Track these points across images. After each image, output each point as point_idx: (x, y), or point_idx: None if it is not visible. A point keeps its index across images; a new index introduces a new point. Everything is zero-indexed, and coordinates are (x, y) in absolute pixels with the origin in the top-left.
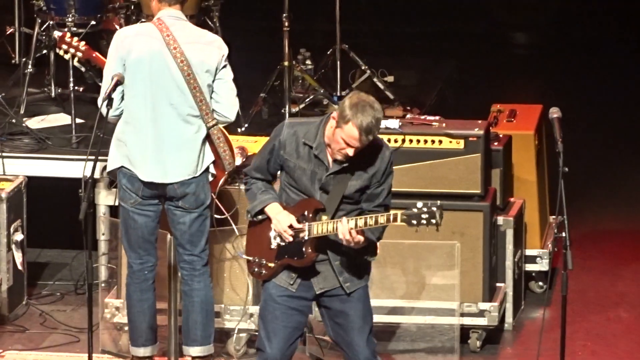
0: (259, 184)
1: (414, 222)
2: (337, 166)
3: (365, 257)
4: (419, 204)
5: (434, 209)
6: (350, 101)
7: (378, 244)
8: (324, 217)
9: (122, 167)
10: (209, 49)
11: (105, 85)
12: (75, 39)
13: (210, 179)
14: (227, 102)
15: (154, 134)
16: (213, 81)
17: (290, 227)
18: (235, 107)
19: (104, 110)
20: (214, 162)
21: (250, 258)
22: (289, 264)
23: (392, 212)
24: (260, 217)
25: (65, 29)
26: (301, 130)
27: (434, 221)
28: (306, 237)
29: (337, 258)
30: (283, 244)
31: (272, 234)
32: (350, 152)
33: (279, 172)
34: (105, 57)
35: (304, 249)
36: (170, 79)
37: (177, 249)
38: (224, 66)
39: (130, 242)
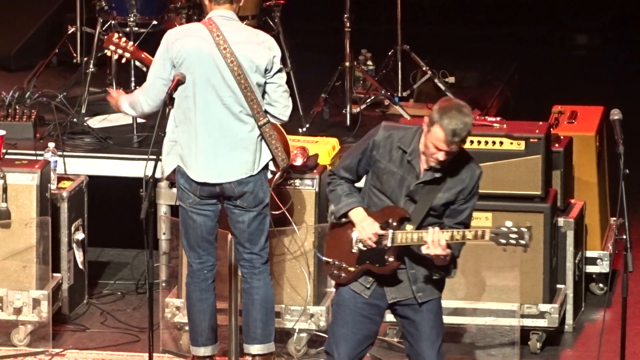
0: (344, 185)
1: (502, 240)
2: (429, 176)
3: (442, 273)
4: (509, 223)
5: (524, 229)
6: (439, 105)
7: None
8: (409, 227)
9: (178, 167)
10: (259, 49)
11: (149, 85)
12: (124, 39)
13: (270, 175)
14: (280, 105)
15: (207, 134)
16: (265, 82)
17: (374, 234)
18: (289, 108)
19: (161, 109)
20: (272, 160)
21: (330, 260)
22: (369, 269)
23: (479, 229)
24: (343, 219)
25: (127, 29)
26: (397, 134)
27: (522, 242)
28: (389, 245)
29: (413, 267)
30: (365, 249)
31: (354, 237)
32: (441, 156)
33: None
34: None
35: (386, 257)
36: (221, 79)
37: (236, 248)
38: (278, 69)
39: (190, 241)
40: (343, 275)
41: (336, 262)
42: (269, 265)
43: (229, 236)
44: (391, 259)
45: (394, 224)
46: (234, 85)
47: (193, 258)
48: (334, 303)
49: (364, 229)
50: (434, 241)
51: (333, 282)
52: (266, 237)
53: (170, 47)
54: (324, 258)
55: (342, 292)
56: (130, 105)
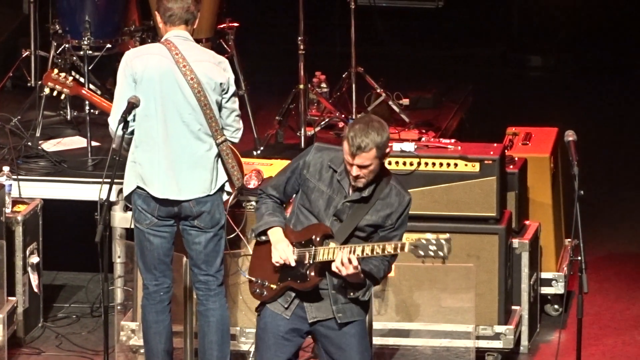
0: (269, 204)
1: (422, 252)
2: (356, 195)
3: (356, 293)
4: (429, 235)
5: (443, 241)
6: (354, 120)
7: (383, 275)
8: (332, 244)
9: (137, 188)
10: (217, 69)
11: (116, 107)
12: (63, 75)
13: (225, 197)
14: (232, 128)
15: (167, 151)
16: (220, 100)
17: (286, 256)
18: (240, 131)
19: (119, 132)
20: (228, 181)
21: (253, 279)
22: (291, 286)
23: (399, 241)
24: (263, 238)
25: (81, 52)
26: (328, 154)
27: (441, 254)
28: (310, 261)
29: (335, 286)
30: (285, 266)
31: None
32: (354, 171)
33: (293, 196)
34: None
35: (307, 272)
36: (182, 96)
37: (192, 270)
38: (233, 92)
39: (146, 263)
40: (265, 293)
41: (259, 281)
42: (224, 287)
43: (184, 259)
44: (312, 274)
45: (317, 240)
46: (194, 103)
47: (149, 280)
48: (257, 327)
49: (277, 249)
50: (342, 259)
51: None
52: (222, 258)
53: (130, 64)
54: (247, 276)
55: (264, 317)
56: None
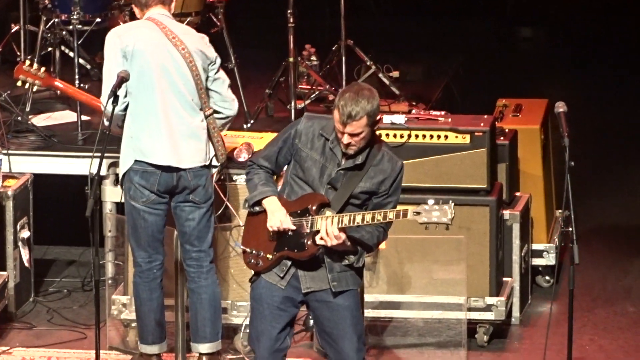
0: (261, 174)
1: (425, 219)
2: (349, 163)
3: (351, 259)
4: (430, 201)
5: (445, 207)
6: (344, 88)
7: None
8: (328, 212)
9: (135, 164)
10: (202, 43)
11: (107, 83)
12: (35, 66)
13: (213, 171)
14: (229, 98)
15: (165, 122)
16: (208, 74)
17: (282, 223)
18: (236, 102)
19: (109, 107)
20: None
21: (248, 249)
22: (288, 256)
23: (402, 208)
24: (257, 208)
25: (70, 26)
26: (319, 123)
27: (445, 219)
28: (308, 231)
29: (330, 256)
30: (280, 236)
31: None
32: (345, 139)
33: (284, 167)
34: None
35: (305, 241)
36: (175, 67)
37: (183, 247)
38: (219, 64)
39: (139, 241)
40: (261, 263)
41: (254, 251)
42: (214, 265)
43: (175, 232)
44: (309, 243)
45: (314, 208)
46: (187, 72)
47: (142, 258)
48: (251, 298)
49: (275, 217)
50: (327, 229)
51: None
52: (212, 234)
53: (119, 40)
54: (241, 247)
55: (258, 287)
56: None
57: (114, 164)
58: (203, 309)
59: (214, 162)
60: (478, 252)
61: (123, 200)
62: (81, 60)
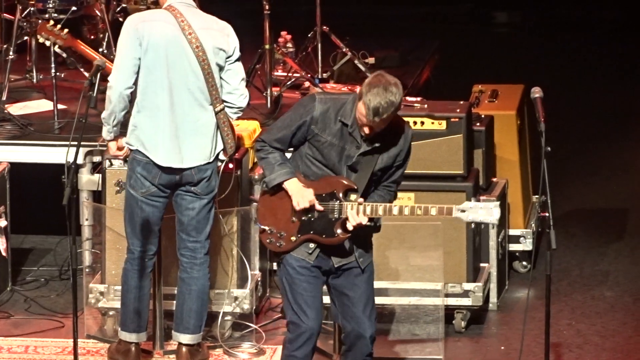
0: (276, 154)
1: (471, 217)
2: (368, 146)
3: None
4: (473, 200)
5: (491, 206)
6: (369, 80)
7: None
8: (353, 196)
9: (137, 152)
10: (221, 36)
11: (119, 67)
12: (59, 26)
13: (219, 164)
14: (239, 92)
15: (171, 119)
16: (223, 68)
17: (310, 202)
18: (246, 98)
19: (92, 93)
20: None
21: (267, 228)
22: (316, 240)
23: (445, 205)
24: (275, 188)
25: (46, 15)
26: (334, 106)
27: (491, 219)
28: (336, 216)
29: (354, 235)
30: (305, 218)
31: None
32: (366, 130)
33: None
34: (86, 43)
35: (334, 229)
36: (187, 64)
37: (179, 235)
38: (238, 57)
39: (134, 229)
40: (283, 244)
41: (274, 231)
42: (209, 257)
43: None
44: (339, 231)
45: (340, 195)
46: (198, 71)
47: (136, 245)
48: (284, 275)
49: (303, 197)
50: (360, 222)
51: (257, 265)
52: (211, 226)
53: (137, 27)
54: (261, 226)
55: (290, 263)
56: (106, 116)
57: (91, 153)
58: (191, 300)
59: (221, 157)
60: (455, 238)
61: (100, 189)
62: (57, 49)
